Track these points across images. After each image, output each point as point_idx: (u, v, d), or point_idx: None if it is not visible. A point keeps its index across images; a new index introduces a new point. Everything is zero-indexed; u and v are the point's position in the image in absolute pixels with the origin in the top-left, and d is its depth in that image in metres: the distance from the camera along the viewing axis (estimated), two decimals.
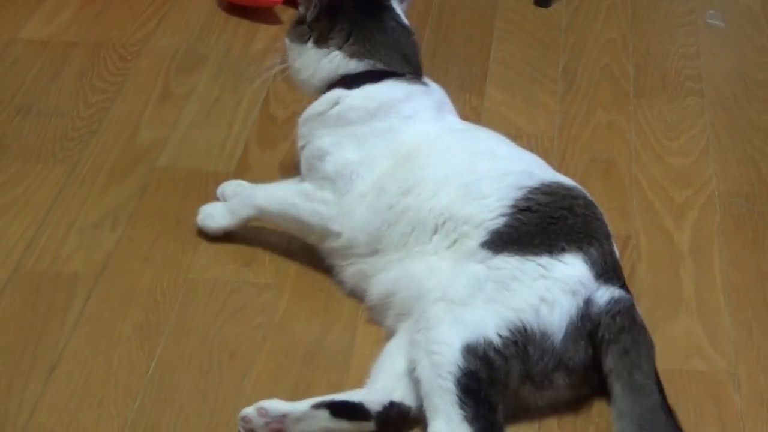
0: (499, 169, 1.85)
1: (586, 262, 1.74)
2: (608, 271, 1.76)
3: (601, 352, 1.70)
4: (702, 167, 2.19)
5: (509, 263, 1.72)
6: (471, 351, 1.64)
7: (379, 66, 1.97)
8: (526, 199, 1.79)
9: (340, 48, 1.97)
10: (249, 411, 1.61)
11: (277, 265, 1.96)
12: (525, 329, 1.68)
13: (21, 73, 2.43)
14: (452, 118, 2.01)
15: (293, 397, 1.69)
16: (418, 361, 1.67)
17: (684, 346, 1.83)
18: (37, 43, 2.55)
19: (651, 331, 1.81)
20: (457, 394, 1.62)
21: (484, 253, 1.75)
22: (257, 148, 2.24)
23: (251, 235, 2.02)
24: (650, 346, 1.71)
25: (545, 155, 2.19)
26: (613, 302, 1.71)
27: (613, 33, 2.63)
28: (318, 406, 1.62)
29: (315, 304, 1.90)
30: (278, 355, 1.79)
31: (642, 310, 1.84)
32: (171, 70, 2.47)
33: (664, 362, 1.78)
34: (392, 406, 1.70)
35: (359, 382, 1.73)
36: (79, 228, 2.01)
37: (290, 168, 2.15)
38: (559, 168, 2.17)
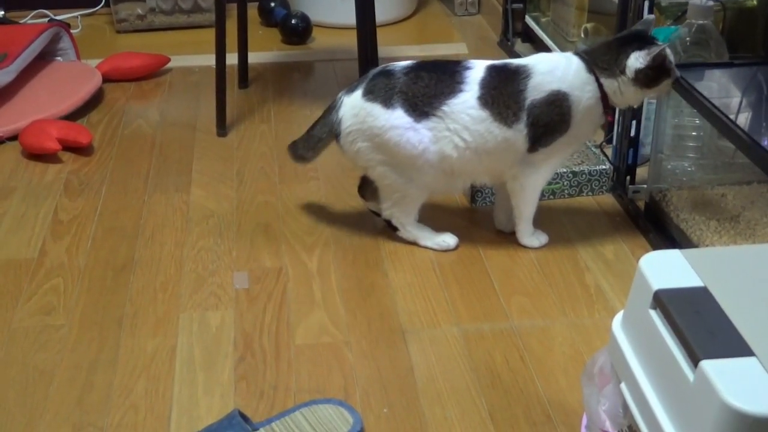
0: None
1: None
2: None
3: None
4: (319, 221, 2.29)
5: None
6: None
7: None
8: None
9: None
10: None
11: (68, 312, 1.98)
12: None
13: None
14: None
15: (82, 394, 1.72)
16: None
17: (317, 328, 1.91)
18: None
19: (294, 324, 1.87)
20: None
21: None
22: (51, 241, 2.26)
23: (52, 293, 2.02)
24: None
25: (228, 226, 2.30)
26: None
27: (264, 148, 2.71)
28: None
29: (91, 333, 1.91)
30: (72, 370, 1.80)
31: (289, 310, 1.93)
32: None
33: (306, 339, 1.84)
34: None
35: (127, 383, 1.75)
36: None
37: (74, 253, 2.17)
38: (237, 232, 2.24)
